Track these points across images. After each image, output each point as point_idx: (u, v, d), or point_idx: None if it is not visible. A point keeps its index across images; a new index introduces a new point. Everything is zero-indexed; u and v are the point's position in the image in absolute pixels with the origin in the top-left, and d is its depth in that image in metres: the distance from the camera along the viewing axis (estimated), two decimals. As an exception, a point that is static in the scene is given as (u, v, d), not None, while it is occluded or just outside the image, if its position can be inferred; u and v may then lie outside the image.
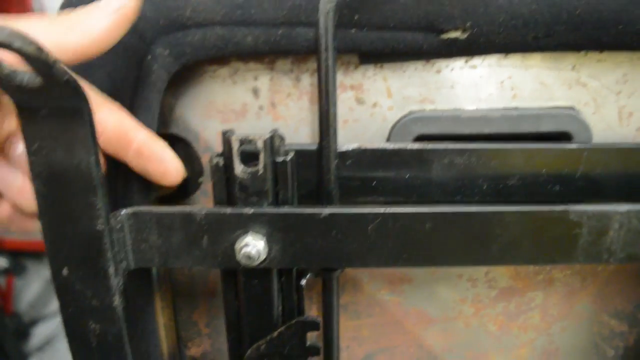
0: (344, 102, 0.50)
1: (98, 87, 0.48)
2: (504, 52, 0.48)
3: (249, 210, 0.43)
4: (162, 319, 0.56)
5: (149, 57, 0.46)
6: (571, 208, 0.43)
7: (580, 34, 0.45)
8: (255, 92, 0.50)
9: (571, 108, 0.50)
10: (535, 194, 0.48)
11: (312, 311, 0.56)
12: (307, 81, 0.49)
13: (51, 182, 0.40)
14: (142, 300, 0.53)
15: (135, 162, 0.45)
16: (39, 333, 1.72)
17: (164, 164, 0.46)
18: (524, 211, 0.43)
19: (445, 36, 0.45)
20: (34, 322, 1.76)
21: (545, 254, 0.44)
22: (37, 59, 0.32)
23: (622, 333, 0.59)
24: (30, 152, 0.39)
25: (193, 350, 0.60)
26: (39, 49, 0.32)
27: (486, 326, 0.57)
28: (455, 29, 0.45)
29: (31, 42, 0.31)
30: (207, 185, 0.53)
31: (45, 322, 1.73)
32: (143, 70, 0.47)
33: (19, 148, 0.44)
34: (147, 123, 0.48)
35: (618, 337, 0.59)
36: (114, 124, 0.44)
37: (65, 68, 0.34)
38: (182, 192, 0.54)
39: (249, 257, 0.43)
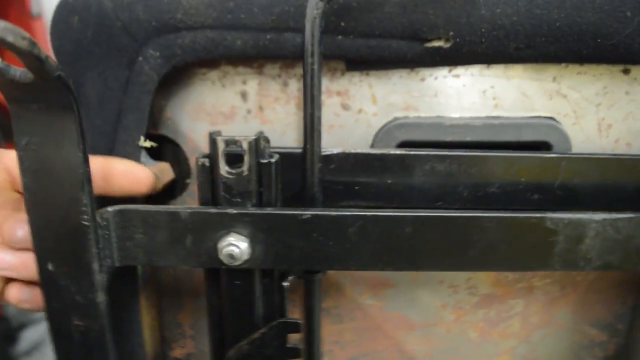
0: (330, 108, 0.51)
1: (90, 87, 0.49)
2: (486, 62, 0.49)
3: (233, 211, 0.44)
4: (146, 319, 0.56)
5: (140, 58, 0.47)
6: (548, 215, 0.44)
7: (561, 46, 0.47)
8: (244, 95, 0.51)
9: (551, 118, 0.51)
10: (515, 202, 0.49)
11: (296, 314, 0.57)
12: (295, 86, 0.50)
13: (39, 176, 0.41)
14: (126, 299, 0.54)
15: (107, 185, 0.47)
16: (27, 337, 1.71)
17: (132, 175, 0.47)
18: (501, 217, 0.44)
19: (429, 45, 0.47)
20: (22, 327, 1.76)
21: (523, 261, 0.45)
22: (30, 53, 0.33)
23: (602, 343, 0.60)
24: (19, 147, 0.40)
25: (177, 352, 0.61)
26: (32, 43, 0.33)
27: (467, 333, 0.57)
28: (439, 38, 0.46)
29: (24, 37, 0.32)
30: (194, 186, 0.54)
31: (34, 326, 1.73)
32: (134, 71, 0.48)
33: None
34: (137, 123, 0.49)
35: (598, 346, 0.60)
36: None
37: (57, 64, 0.35)
38: (169, 193, 0.54)
39: (231, 256, 0.43)
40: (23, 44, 0.33)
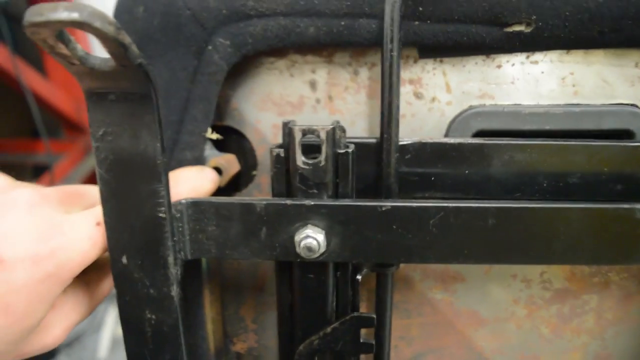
0: (402, 97, 0.49)
1: (157, 77, 0.48)
2: (567, 47, 0.47)
3: (310, 202, 0.42)
4: (210, 313, 0.55)
5: (210, 47, 0.46)
6: (637, 206, 0.42)
7: None
8: (313, 85, 0.50)
9: (634, 105, 0.49)
10: (597, 193, 0.47)
11: (362, 309, 0.56)
12: (366, 75, 0.49)
13: (115, 168, 0.40)
14: (191, 293, 0.53)
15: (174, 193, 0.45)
16: (68, 330, 1.74)
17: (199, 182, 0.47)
18: (588, 208, 0.42)
19: (509, 30, 0.45)
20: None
21: (609, 254, 0.43)
22: (115, 39, 0.32)
23: (677, 340, 0.57)
24: (95, 138, 0.40)
25: (239, 346, 0.60)
26: (118, 29, 0.32)
27: (539, 328, 0.56)
28: (520, 22, 0.45)
29: (110, 22, 0.32)
30: (260, 178, 0.53)
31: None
32: (203, 60, 0.47)
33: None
34: (204, 114, 0.48)
35: (673, 344, 0.57)
36: None
37: (139, 52, 0.35)
38: (235, 185, 0.53)
39: (309, 249, 0.42)
40: (110, 30, 0.32)
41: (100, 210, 0.42)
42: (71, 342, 1.67)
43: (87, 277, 0.46)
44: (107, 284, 0.47)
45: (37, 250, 0.39)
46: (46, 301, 0.40)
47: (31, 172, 2.16)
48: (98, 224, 0.42)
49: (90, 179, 2.01)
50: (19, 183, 0.44)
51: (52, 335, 0.44)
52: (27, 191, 0.41)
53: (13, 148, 2.20)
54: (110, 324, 1.82)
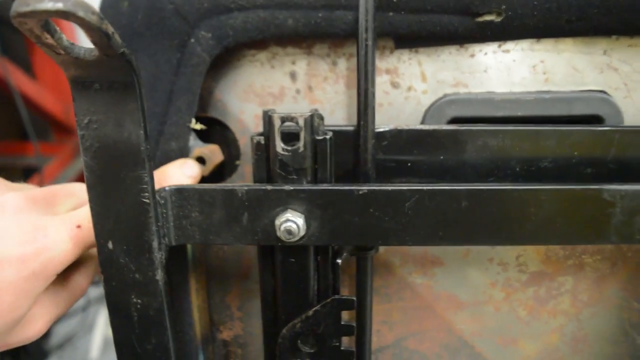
0: (379, 86, 0.51)
1: (141, 70, 0.49)
2: (537, 36, 0.49)
3: (289, 187, 0.44)
4: (196, 301, 0.57)
5: (192, 39, 0.48)
6: (605, 187, 0.44)
7: (613, 17, 0.46)
8: (293, 76, 0.51)
9: (602, 92, 0.50)
10: (568, 176, 0.49)
11: (344, 293, 0.57)
12: (344, 65, 0.51)
13: (100, 155, 0.41)
14: (177, 280, 0.54)
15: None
16: (59, 331, 1.74)
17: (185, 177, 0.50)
18: (558, 189, 0.44)
19: (480, 19, 0.47)
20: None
21: (579, 233, 0.45)
22: (98, 28, 0.33)
23: (651, 320, 0.59)
24: (81, 126, 0.41)
25: (225, 334, 0.61)
26: (101, 18, 0.33)
27: (516, 311, 0.57)
28: (490, 12, 0.46)
29: (94, 12, 0.33)
30: (243, 168, 0.54)
31: (66, 320, 1.75)
32: (186, 53, 0.48)
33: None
34: (188, 105, 0.50)
35: (647, 324, 0.59)
36: None
37: (121, 41, 0.36)
38: (219, 175, 0.55)
39: (289, 232, 0.44)
40: (93, 19, 0.33)
41: (83, 212, 0.45)
42: (63, 343, 1.67)
43: (66, 275, 0.48)
44: (85, 281, 0.50)
45: (23, 251, 0.42)
46: (31, 296, 0.43)
47: (21, 174, 2.16)
48: (78, 226, 0.44)
49: (80, 181, 2.03)
50: (9, 186, 0.46)
51: (34, 329, 0.46)
52: (14, 196, 0.45)
53: (2, 151, 2.20)
54: (102, 326, 1.82)
